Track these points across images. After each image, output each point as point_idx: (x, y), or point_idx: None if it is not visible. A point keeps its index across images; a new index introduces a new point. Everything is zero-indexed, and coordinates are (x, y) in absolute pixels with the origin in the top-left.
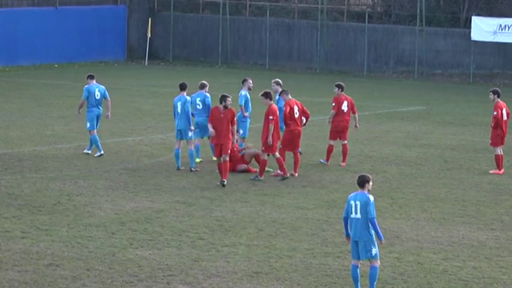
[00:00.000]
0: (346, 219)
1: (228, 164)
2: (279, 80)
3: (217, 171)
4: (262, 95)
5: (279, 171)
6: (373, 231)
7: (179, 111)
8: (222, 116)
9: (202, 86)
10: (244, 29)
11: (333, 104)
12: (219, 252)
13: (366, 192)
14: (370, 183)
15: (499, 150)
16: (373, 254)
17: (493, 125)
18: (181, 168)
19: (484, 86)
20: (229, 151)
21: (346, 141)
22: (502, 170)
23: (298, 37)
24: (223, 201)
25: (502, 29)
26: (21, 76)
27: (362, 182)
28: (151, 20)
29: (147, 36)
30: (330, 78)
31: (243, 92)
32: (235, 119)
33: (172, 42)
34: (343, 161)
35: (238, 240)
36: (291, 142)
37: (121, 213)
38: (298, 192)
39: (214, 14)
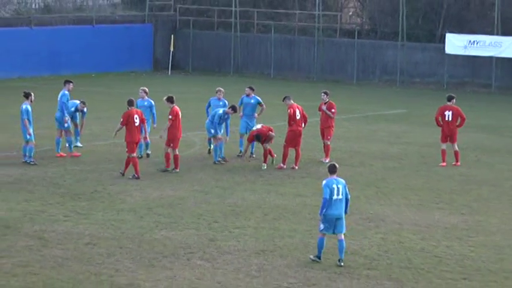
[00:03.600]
0: (329, 200)
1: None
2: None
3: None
4: (165, 99)
5: (281, 164)
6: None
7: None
8: None
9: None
10: (253, 44)
11: (333, 110)
12: (231, 233)
13: (337, 177)
14: (337, 171)
15: (444, 146)
16: (344, 229)
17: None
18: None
19: (456, 93)
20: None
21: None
22: (445, 163)
23: (298, 51)
24: (234, 190)
25: (471, 44)
26: (62, 84)
27: (335, 169)
28: (173, 36)
29: (170, 50)
30: (326, 86)
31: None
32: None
33: (191, 55)
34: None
35: (247, 223)
36: (293, 140)
37: (148, 200)
38: (298, 182)
39: (227, 32)
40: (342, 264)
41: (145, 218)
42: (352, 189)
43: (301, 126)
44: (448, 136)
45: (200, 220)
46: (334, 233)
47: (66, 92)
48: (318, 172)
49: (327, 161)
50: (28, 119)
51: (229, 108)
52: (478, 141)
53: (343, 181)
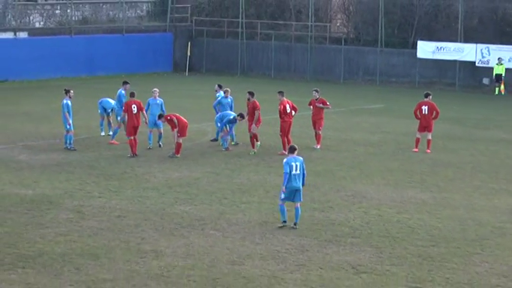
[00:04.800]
0: (288, 174)
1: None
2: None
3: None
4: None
5: (283, 151)
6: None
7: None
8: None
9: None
10: (256, 50)
11: (328, 104)
12: (238, 207)
13: (296, 156)
14: (296, 151)
15: (419, 135)
16: (301, 198)
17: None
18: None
19: (425, 90)
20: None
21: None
22: (418, 149)
23: (294, 55)
24: (241, 172)
25: (439, 50)
26: (97, 83)
27: (294, 149)
28: (190, 43)
29: (187, 55)
30: (317, 85)
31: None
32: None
33: (205, 59)
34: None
35: (251, 199)
36: (284, 129)
37: (169, 179)
38: None
39: (235, 39)
40: (297, 227)
41: (166, 195)
42: (339, 171)
43: (291, 118)
44: (425, 127)
45: (212, 197)
46: (293, 201)
47: (123, 92)
48: (310, 156)
49: (318, 147)
50: (68, 112)
51: (238, 115)
52: (444, 131)
53: (301, 159)
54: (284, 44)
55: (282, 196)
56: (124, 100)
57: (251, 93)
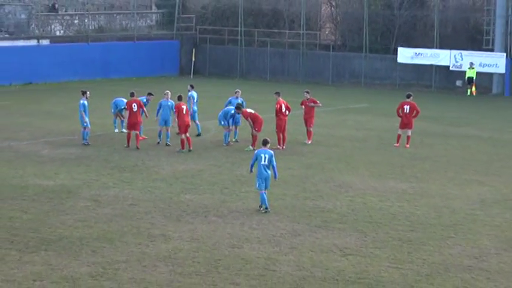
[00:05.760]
0: (253, 162)
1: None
2: (239, 90)
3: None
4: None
5: (278, 146)
6: (270, 172)
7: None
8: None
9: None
10: (254, 55)
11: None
12: (237, 196)
13: (267, 149)
14: (269, 144)
15: (400, 131)
16: (269, 186)
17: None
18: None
19: (404, 92)
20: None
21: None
22: (398, 144)
23: (287, 60)
24: (240, 165)
25: (417, 55)
26: (111, 85)
27: (266, 142)
28: (194, 49)
29: (192, 60)
30: (308, 87)
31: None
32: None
33: (208, 63)
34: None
35: (250, 189)
36: (280, 126)
37: (176, 171)
38: (287, 159)
39: (235, 46)
40: (262, 209)
41: (173, 185)
42: (328, 163)
43: (286, 116)
44: (406, 124)
45: (214, 187)
46: (265, 188)
47: (145, 100)
48: (302, 151)
49: (310, 142)
50: (84, 111)
51: (236, 108)
52: (422, 128)
53: (270, 152)
54: (279, 50)
55: (257, 184)
56: (145, 104)
57: (277, 93)
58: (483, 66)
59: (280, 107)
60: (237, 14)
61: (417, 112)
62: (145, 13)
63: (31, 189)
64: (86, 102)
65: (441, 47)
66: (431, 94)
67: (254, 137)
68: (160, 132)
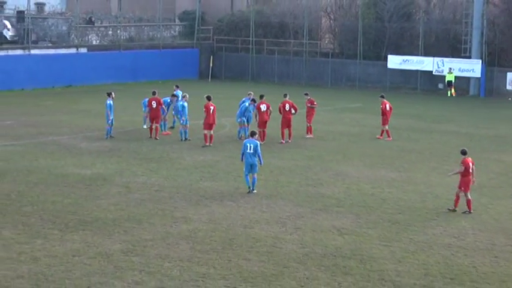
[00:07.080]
0: (243, 152)
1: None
2: (251, 92)
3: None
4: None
5: (282, 141)
6: (257, 159)
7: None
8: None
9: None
10: (263, 61)
11: (315, 103)
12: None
13: (254, 139)
14: (256, 135)
15: (387, 127)
16: (257, 170)
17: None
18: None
19: (394, 94)
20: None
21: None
22: (390, 138)
23: (292, 66)
24: None
25: (404, 62)
26: (140, 87)
27: (253, 134)
28: (212, 57)
29: (210, 66)
30: (310, 89)
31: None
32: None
33: (224, 69)
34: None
35: (259, 177)
36: (285, 124)
37: (196, 162)
38: (292, 151)
39: (247, 54)
40: (255, 191)
41: (193, 173)
42: (327, 155)
43: (290, 114)
44: (387, 120)
45: (229, 175)
46: (251, 173)
47: (169, 100)
48: (305, 144)
49: (309, 136)
50: (110, 110)
51: (251, 101)
52: (408, 124)
53: (256, 142)
54: (285, 57)
55: (244, 169)
56: (167, 103)
57: (285, 95)
58: (462, 71)
59: (284, 106)
60: (248, 26)
61: (390, 109)
62: (170, 25)
63: (71, 177)
64: (111, 102)
65: (425, 55)
66: (416, 95)
67: (260, 133)
68: (181, 130)
